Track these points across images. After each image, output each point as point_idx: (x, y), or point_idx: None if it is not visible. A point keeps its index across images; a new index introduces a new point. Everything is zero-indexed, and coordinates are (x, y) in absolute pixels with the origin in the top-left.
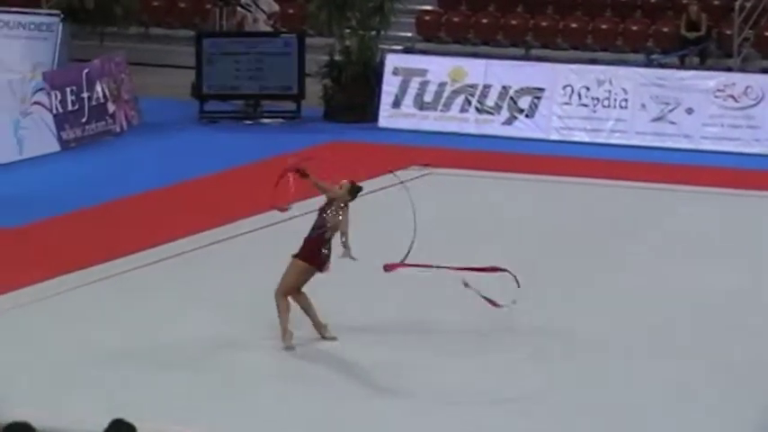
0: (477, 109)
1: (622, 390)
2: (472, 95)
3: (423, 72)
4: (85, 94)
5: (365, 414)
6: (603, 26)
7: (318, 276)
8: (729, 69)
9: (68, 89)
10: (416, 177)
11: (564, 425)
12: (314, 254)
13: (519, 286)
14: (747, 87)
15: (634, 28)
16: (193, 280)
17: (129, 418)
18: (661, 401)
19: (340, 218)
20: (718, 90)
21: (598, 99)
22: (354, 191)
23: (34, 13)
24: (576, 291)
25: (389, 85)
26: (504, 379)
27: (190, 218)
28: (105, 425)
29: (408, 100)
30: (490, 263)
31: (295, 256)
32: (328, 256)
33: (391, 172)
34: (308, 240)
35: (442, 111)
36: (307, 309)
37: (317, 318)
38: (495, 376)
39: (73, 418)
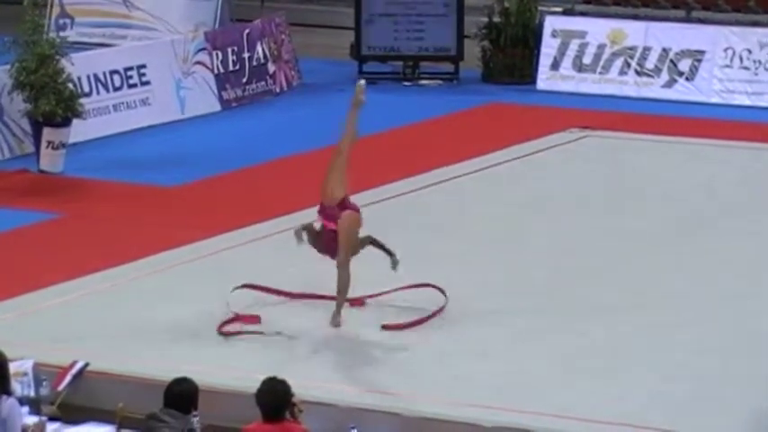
0: (637, 71)
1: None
2: (632, 58)
3: (582, 34)
4: (246, 55)
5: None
6: None
7: None
8: None
9: (229, 49)
10: (574, 140)
11: None
12: None
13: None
14: None
15: None
16: None
17: None
18: None
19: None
20: None
21: (760, 62)
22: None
23: None
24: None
25: (548, 47)
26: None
27: (349, 178)
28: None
29: (567, 62)
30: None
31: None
32: None
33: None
34: None
35: (600, 73)
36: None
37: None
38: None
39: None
